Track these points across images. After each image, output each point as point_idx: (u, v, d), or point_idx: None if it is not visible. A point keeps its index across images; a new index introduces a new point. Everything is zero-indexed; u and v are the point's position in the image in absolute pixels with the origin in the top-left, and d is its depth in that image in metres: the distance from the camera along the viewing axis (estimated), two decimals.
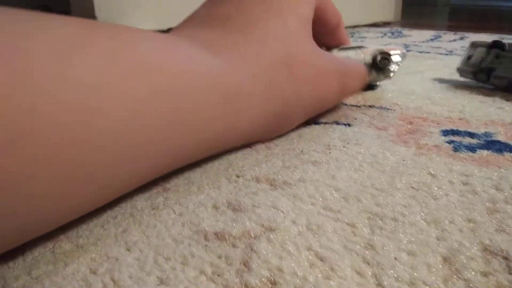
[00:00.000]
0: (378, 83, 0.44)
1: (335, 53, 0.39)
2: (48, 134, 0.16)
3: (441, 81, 0.48)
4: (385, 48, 0.41)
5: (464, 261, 0.17)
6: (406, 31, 1.03)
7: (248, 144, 0.29)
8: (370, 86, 0.45)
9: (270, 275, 0.16)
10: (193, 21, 0.29)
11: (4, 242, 0.17)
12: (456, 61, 0.60)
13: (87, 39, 0.18)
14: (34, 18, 0.18)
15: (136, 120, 0.19)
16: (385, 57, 0.40)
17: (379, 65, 0.40)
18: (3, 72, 0.15)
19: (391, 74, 0.41)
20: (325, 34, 0.38)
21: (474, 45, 0.44)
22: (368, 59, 0.40)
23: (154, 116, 0.20)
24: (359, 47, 0.41)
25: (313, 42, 0.31)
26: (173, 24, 0.33)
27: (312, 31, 0.32)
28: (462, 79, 0.48)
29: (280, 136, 0.31)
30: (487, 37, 0.87)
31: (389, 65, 0.40)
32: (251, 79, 0.26)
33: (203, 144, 0.24)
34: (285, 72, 0.28)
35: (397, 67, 0.41)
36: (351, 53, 0.40)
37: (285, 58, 0.28)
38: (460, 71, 0.45)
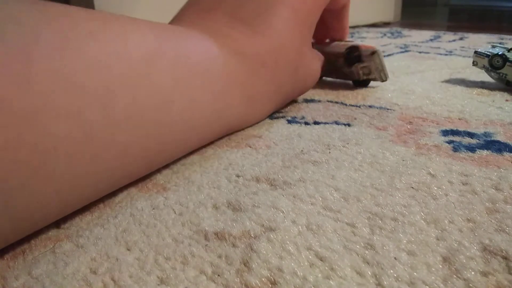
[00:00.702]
0: (374, 81, 0.45)
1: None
2: (84, 110, 0.17)
3: (441, 81, 0.48)
4: (359, 43, 0.41)
5: (464, 261, 0.17)
6: (405, 32, 1.03)
7: (248, 144, 0.30)
8: (362, 83, 0.45)
9: (270, 275, 0.16)
10: (196, 7, 0.31)
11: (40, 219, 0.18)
12: (456, 61, 0.60)
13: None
14: (56, 7, 0.19)
15: (160, 97, 0.21)
16: (353, 50, 0.40)
17: (348, 58, 0.41)
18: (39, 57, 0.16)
19: (382, 74, 0.42)
20: (332, 12, 0.39)
21: (494, 46, 0.45)
22: (343, 51, 0.41)
23: (172, 94, 0.22)
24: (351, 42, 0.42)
25: (306, 36, 0.34)
26: None
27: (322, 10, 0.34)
28: (461, 79, 0.48)
29: (280, 136, 0.31)
30: (487, 38, 0.87)
31: (360, 60, 0.41)
32: (255, 74, 0.29)
33: (216, 122, 0.27)
34: (288, 71, 0.31)
35: (376, 66, 0.41)
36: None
37: (290, 57, 0.31)
38: (477, 54, 0.44)
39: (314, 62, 0.36)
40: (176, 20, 0.31)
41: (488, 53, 0.43)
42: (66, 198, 0.18)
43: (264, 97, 0.31)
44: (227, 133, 0.30)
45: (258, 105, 0.31)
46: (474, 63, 0.45)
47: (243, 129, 0.32)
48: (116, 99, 0.18)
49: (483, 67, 0.44)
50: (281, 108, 0.37)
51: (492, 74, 0.43)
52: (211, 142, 0.30)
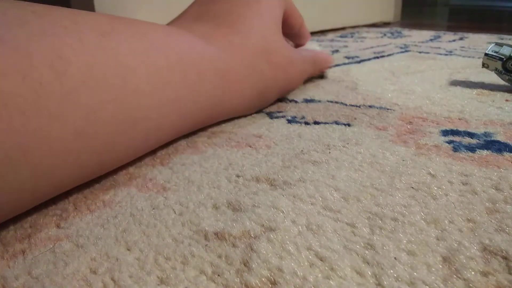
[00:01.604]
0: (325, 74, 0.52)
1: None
2: (97, 91, 0.21)
3: (441, 81, 0.48)
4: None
5: (464, 261, 0.17)
6: (405, 31, 1.03)
7: (248, 144, 0.30)
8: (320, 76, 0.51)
9: (270, 275, 0.16)
10: (186, 17, 0.35)
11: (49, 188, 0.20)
12: (456, 61, 0.60)
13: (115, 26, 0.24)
14: (75, 12, 0.23)
15: (156, 85, 0.25)
16: None
17: None
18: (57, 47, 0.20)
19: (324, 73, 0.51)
20: (291, 35, 0.46)
21: (499, 44, 0.45)
22: None
23: (169, 83, 0.26)
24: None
25: (283, 37, 0.38)
26: None
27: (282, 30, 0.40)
28: (461, 79, 0.48)
29: (280, 136, 0.31)
30: (487, 38, 0.87)
31: None
32: (238, 63, 0.32)
33: (204, 111, 0.30)
34: (264, 59, 0.34)
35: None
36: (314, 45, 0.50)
37: (264, 48, 0.34)
38: (489, 56, 0.44)
39: (298, 63, 0.40)
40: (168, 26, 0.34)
41: (501, 56, 0.43)
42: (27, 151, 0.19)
43: (243, 89, 0.33)
44: (207, 121, 0.32)
45: (237, 96, 0.33)
46: (485, 66, 0.44)
47: (222, 120, 0.35)
48: (70, 65, 0.20)
49: (495, 69, 0.43)
50: (266, 106, 0.38)
51: (505, 77, 0.43)
52: (211, 142, 0.30)
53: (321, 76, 0.52)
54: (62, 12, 0.22)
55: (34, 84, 0.18)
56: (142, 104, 0.24)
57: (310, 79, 0.50)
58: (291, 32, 0.45)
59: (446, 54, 0.67)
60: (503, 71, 0.43)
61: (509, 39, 0.86)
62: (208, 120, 0.32)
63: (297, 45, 0.49)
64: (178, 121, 0.28)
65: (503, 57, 0.42)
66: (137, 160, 0.28)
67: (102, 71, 0.21)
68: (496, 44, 0.45)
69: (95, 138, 0.21)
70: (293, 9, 0.42)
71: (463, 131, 0.31)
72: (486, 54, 0.44)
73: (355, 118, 0.35)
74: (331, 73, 0.54)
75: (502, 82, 0.45)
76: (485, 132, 0.31)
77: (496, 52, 0.44)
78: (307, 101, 0.41)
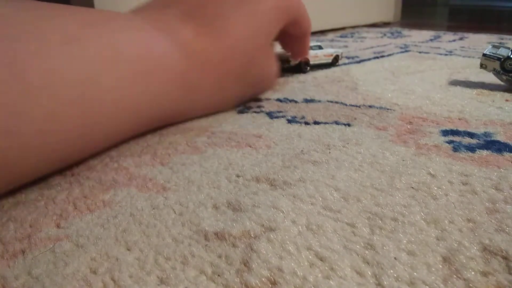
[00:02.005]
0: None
1: None
2: (66, 90, 0.22)
3: (441, 81, 0.48)
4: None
5: (464, 261, 0.17)
6: (405, 31, 1.03)
7: (248, 144, 0.30)
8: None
9: (270, 275, 0.16)
10: (158, 2, 0.34)
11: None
12: (456, 61, 0.60)
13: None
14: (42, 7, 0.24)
15: (118, 94, 0.26)
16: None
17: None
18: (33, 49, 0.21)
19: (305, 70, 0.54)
20: (295, 38, 0.43)
21: (496, 46, 0.45)
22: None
23: (131, 92, 0.27)
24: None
25: (270, 46, 0.37)
26: None
27: (286, 32, 0.39)
28: (461, 79, 0.48)
29: (280, 136, 0.31)
30: (487, 38, 0.87)
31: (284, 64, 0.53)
32: (206, 80, 0.32)
33: (165, 116, 0.31)
34: (233, 78, 0.34)
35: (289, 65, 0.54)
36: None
37: (239, 64, 0.34)
38: (487, 57, 0.44)
39: (271, 67, 0.39)
40: (135, 11, 0.34)
41: (499, 56, 0.43)
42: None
43: (207, 91, 0.33)
44: (166, 122, 0.33)
45: (200, 98, 0.33)
46: (483, 66, 0.44)
47: (183, 121, 0.35)
48: (30, 68, 0.21)
49: (493, 70, 0.43)
50: (230, 107, 0.38)
51: (503, 77, 0.43)
52: (211, 142, 0.30)
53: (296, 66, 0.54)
54: (30, 16, 0.23)
55: None
56: (102, 110, 0.25)
57: (310, 79, 0.50)
58: (296, 33, 0.42)
59: (446, 54, 0.67)
60: (501, 71, 0.43)
61: (509, 39, 0.86)
62: (169, 121, 0.33)
63: (293, 55, 0.48)
64: (138, 124, 0.29)
65: (501, 57, 0.43)
66: (137, 160, 0.28)
67: (64, 77, 0.22)
68: (493, 46, 0.45)
69: (55, 137, 0.23)
70: (301, 17, 0.40)
71: (463, 131, 0.31)
72: (484, 55, 0.44)
73: (355, 118, 0.35)
74: (331, 73, 0.54)
75: (502, 82, 0.45)
76: (485, 132, 0.31)
77: (493, 53, 0.44)
78: (307, 101, 0.41)
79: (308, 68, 0.55)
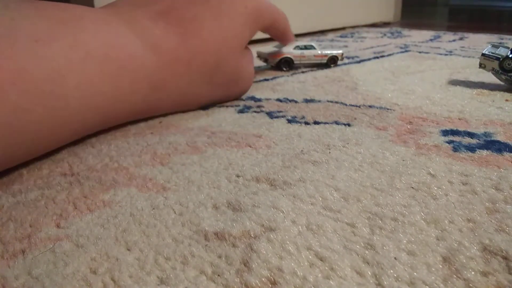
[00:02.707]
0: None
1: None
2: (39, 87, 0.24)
3: (441, 81, 0.48)
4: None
5: (464, 260, 0.17)
6: (405, 31, 1.03)
7: (248, 144, 0.30)
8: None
9: (270, 275, 0.16)
10: (127, 3, 0.34)
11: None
12: (456, 61, 0.60)
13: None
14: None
15: (87, 92, 0.27)
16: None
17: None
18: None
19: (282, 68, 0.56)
20: (277, 37, 0.50)
21: (495, 45, 0.45)
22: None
23: (100, 91, 0.28)
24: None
25: (242, 45, 0.38)
26: None
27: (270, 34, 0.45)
28: (461, 79, 0.48)
29: (280, 135, 0.31)
30: (487, 38, 0.87)
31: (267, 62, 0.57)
32: (176, 80, 0.33)
33: (134, 113, 0.32)
34: (206, 78, 0.35)
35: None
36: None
37: (210, 63, 0.35)
38: (485, 56, 0.44)
39: (245, 69, 0.40)
40: (108, 7, 0.34)
41: (497, 55, 0.43)
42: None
43: (175, 89, 0.34)
44: (134, 118, 0.34)
45: (168, 96, 0.34)
46: (482, 66, 0.44)
47: (151, 116, 0.36)
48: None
49: (492, 69, 0.43)
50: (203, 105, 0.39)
51: (502, 76, 0.43)
52: (211, 142, 0.30)
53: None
54: (1, 15, 0.24)
55: None
56: (70, 108, 0.26)
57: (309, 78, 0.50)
58: (275, 36, 0.49)
59: (446, 54, 0.67)
60: (500, 71, 0.43)
61: (509, 39, 0.86)
62: (136, 118, 0.34)
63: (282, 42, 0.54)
64: (105, 121, 0.31)
65: (500, 56, 0.43)
66: (137, 160, 0.28)
67: (33, 76, 0.24)
68: (493, 45, 0.45)
69: (23, 133, 0.24)
70: (276, 19, 0.43)
71: (463, 131, 0.31)
72: (483, 54, 0.44)
73: (355, 118, 0.35)
74: (331, 73, 0.54)
75: (501, 82, 0.45)
76: (485, 132, 0.31)
77: (493, 52, 0.44)
78: (307, 101, 0.41)
79: (288, 68, 0.56)
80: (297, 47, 0.56)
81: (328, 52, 0.58)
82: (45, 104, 0.24)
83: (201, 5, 0.35)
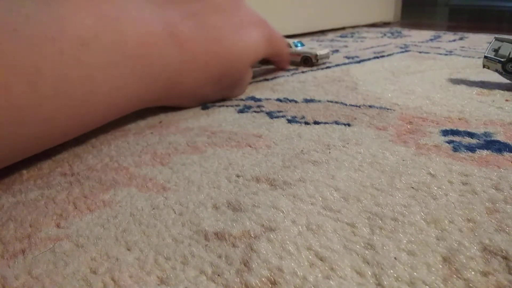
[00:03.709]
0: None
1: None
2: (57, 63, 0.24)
3: (441, 81, 0.48)
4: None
5: (464, 260, 0.17)
6: (405, 31, 1.03)
7: (248, 143, 0.30)
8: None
9: (270, 275, 0.16)
10: None
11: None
12: (456, 61, 0.60)
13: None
14: None
15: (88, 76, 0.26)
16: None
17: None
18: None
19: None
20: (276, 62, 0.55)
21: (499, 39, 0.45)
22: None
23: (99, 74, 0.27)
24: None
25: (254, 57, 0.42)
26: None
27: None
28: (461, 77, 0.48)
29: (280, 135, 0.31)
30: (487, 38, 0.87)
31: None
32: (192, 71, 0.35)
33: (151, 93, 0.33)
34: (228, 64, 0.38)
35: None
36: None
37: (231, 62, 0.38)
38: (488, 59, 0.44)
39: (247, 79, 0.43)
40: None
41: (499, 58, 0.43)
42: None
43: (191, 83, 0.36)
44: (147, 105, 0.35)
45: (181, 90, 0.36)
46: (486, 67, 0.45)
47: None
48: (45, 76, 0.23)
49: (496, 70, 0.44)
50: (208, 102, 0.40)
51: (507, 76, 0.44)
52: (211, 142, 0.30)
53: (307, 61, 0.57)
54: (48, 20, 0.24)
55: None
56: (100, 94, 0.27)
57: (310, 77, 0.50)
58: (274, 61, 0.54)
59: (446, 54, 0.67)
60: (504, 73, 0.43)
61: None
62: (151, 105, 0.36)
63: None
64: (130, 105, 0.31)
65: (502, 59, 0.43)
66: (137, 159, 0.28)
67: (73, 83, 0.24)
68: (496, 39, 0.45)
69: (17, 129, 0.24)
70: (282, 49, 0.50)
71: (463, 131, 0.31)
72: (485, 57, 0.44)
73: (355, 118, 0.35)
74: (331, 73, 0.54)
75: (502, 82, 0.45)
76: (485, 132, 0.31)
77: (495, 50, 0.44)
78: (307, 101, 0.41)
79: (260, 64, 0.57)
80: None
81: (302, 51, 0.57)
82: (75, 106, 0.25)
83: (226, 17, 0.39)
